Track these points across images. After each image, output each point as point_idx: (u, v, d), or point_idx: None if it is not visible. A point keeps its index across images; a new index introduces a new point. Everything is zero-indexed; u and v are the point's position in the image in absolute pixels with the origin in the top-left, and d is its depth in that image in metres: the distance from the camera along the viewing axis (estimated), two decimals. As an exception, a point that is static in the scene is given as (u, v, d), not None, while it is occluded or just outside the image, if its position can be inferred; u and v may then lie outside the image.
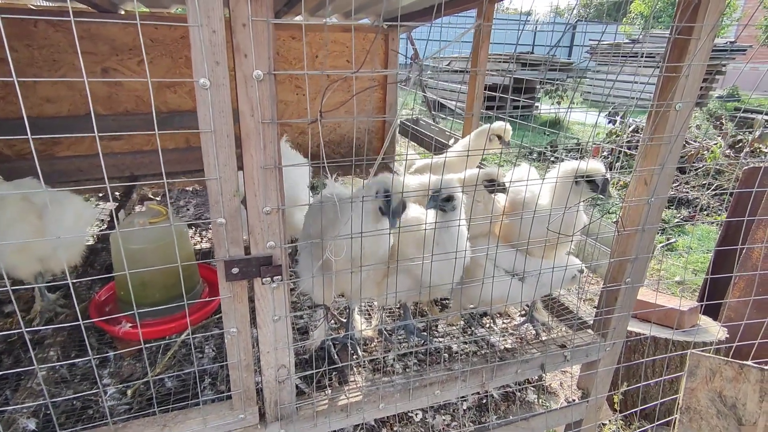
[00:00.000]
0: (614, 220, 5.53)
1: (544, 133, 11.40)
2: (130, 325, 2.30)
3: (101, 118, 4.17)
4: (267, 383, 1.80)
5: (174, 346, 2.39)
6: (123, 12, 4.24)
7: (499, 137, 2.93)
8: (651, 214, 2.12)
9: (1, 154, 4.16)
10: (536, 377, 2.67)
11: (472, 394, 2.46)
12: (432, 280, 2.03)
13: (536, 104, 13.63)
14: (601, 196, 2.23)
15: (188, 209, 4.72)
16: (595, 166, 2.19)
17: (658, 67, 1.88)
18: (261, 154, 1.46)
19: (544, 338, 2.49)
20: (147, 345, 2.40)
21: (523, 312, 2.75)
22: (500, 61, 12.85)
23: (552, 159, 7.81)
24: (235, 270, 1.55)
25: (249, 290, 1.65)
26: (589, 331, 2.48)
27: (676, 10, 1.86)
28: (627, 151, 5.98)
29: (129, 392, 2.09)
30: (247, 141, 1.44)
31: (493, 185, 2.41)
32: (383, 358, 2.42)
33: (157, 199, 4.62)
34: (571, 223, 2.23)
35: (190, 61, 4.23)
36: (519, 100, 9.58)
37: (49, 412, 1.93)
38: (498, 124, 2.92)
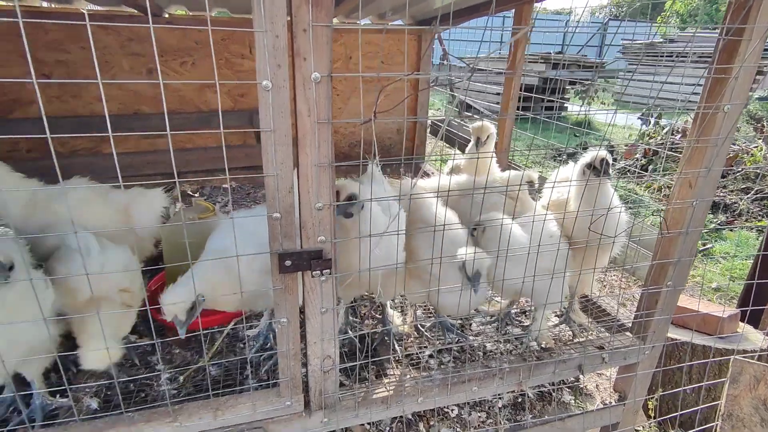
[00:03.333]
0: (651, 222, 5.42)
1: (574, 135, 11.22)
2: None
3: (147, 117, 4.36)
4: (313, 373, 1.88)
5: (221, 337, 2.50)
6: (167, 15, 4.42)
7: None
8: (695, 216, 2.10)
9: (54, 150, 4.40)
10: (572, 378, 2.66)
11: (508, 393, 2.48)
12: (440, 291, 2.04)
13: (566, 105, 13.42)
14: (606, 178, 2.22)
15: (224, 206, 4.88)
16: (593, 153, 2.21)
17: (705, 68, 1.87)
18: (316, 152, 1.53)
19: (581, 339, 2.49)
20: (194, 334, 2.51)
21: (559, 313, 2.75)
22: (530, 62, 12.69)
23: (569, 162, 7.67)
24: (288, 262, 1.63)
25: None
26: (628, 333, 2.47)
27: (726, 10, 1.84)
28: (662, 152, 5.83)
29: (182, 378, 2.20)
30: (303, 140, 1.51)
31: (535, 187, 2.44)
32: (419, 354, 2.46)
33: (195, 195, 4.79)
34: (610, 224, 2.23)
35: (230, 63, 4.38)
36: (551, 101, 9.44)
37: (109, 393, 2.06)
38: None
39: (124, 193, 2.64)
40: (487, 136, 3.02)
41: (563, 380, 2.63)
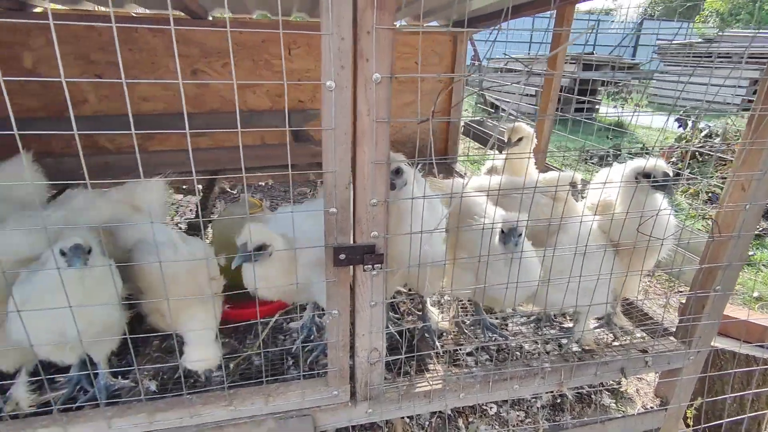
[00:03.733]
0: (697, 226, 5.27)
1: (607, 137, 10.98)
2: (228, 306, 2.52)
3: (190, 116, 4.52)
4: (360, 364, 1.94)
5: (266, 328, 2.58)
6: (211, 18, 4.58)
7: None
8: (748, 220, 2.06)
9: (103, 147, 4.63)
10: (611, 381, 2.64)
11: (547, 393, 2.49)
12: (489, 280, 2.06)
13: (597, 106, 13.15)
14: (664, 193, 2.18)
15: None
16: (655, 163, 2.14)
17: (756, 69, 1.84)
18: (373, 150, 1.59)
19: (622, 342, 2.47)
20: (240, 324, 2.62)
21: (600, 315, 2.73)
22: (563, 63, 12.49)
23: (614, 163, 7.52)
24: (342, 256, 1.69)
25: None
26: (671, 338, 2.44)
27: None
28: (699, 156, 5.67)
29: (231, 365, 2.30)
30: (361, 138, 1.57)
31: (576, 188, 2.43)
32: (455, 351, 2.49)
33: (234, 192, 4.94)
34: (658, 227, 2.21)
35: (269, 64, 4.50)
36: (582, 102, 9.29)
37: (165, 376, 2.17)
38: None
39: (121, 189, 2.62)
40: (520, 138, 3.01)
41: (602, 383, 2.61)
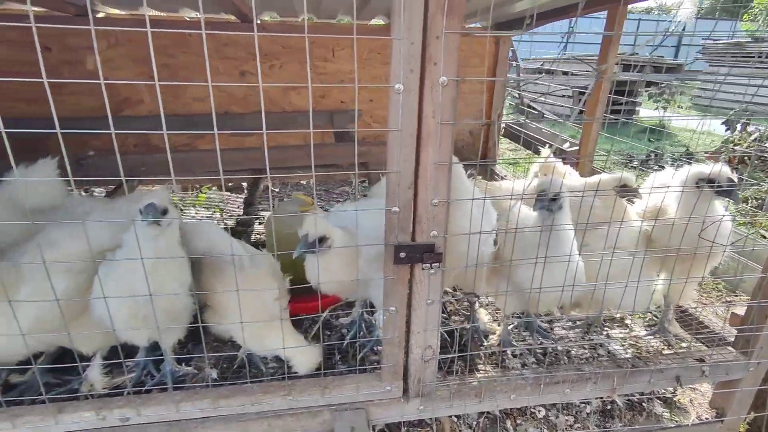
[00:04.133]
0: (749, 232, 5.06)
1: (648, 140, 10.64)
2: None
3: (237, 117, 4.69)
4: (413, 361, 1.97)
5: (318, 323, 2.66)
6: (259, 21, 4.72)
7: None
8: (818, 228, 1.98)
9: (156, 146, 4.85)
10: (663, 391, 2.59)
11: (596, 398, 2.46)
12: (537, 286, 2.05)
13: (637, 108, 12.76)
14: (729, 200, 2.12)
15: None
16: (720, 168, 2.08)
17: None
18: (436, 151, 1.62)
19: (677, 350, 2.41)
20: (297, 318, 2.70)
21: (652, 322, 2.68)
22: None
23: (656, 168, 7.30)
24: (402, 254, 1.74)
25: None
26: (729, 348, 2.37)
27: None
28: (748, 160, 5.42)
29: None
30: (426, 139, 1.61)
31: (627, 191, 2.40)
32: (502, 352, 2.50)
33: (276, 190, 5.07)
34: (715, 232, 2.15)
35: (314, 66, 4.57)
36: (621, 104, 9.04)
37: (225, 365, 2.27)
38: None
39: (126, 199, 2.60)
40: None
41: (654, 391, 2.56)
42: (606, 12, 3.32)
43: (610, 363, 2.25)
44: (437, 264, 1.78)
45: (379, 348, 2.50)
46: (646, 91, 13.24)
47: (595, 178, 2.53)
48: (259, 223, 4.50)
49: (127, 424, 1.87)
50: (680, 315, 2.69)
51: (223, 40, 4.60)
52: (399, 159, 1.62)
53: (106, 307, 1.67)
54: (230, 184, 5.20)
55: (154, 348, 2.21)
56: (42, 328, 1.79)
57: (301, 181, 5.43)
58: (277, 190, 5.11)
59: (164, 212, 1.81)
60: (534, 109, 11.16)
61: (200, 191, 5.51)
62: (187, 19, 4.71)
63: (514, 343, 2.54)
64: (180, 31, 4.56)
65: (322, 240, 2.00)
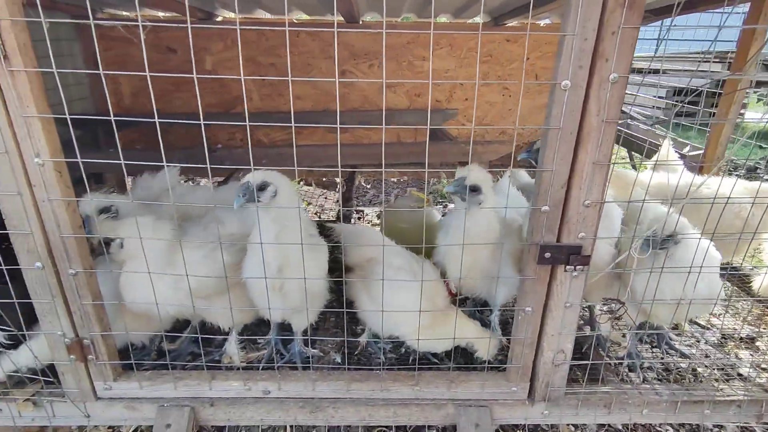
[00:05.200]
0: None
1: (759, 146, 9.57)
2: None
3: (335, 114, 4.85)
4: (543, 364, 1.93)
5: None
6: (362, 21, 4.86)
7: None
8: None
9: (259, 141, 5.17)
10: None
11: (733, 423, 2.27)
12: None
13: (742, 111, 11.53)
14: None
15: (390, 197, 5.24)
16: None
17: None
18: (596, 150, 1.58)
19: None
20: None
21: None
22: (700, 61, 11.16)
23: (765, 177, 6.55)
24: (547, 255, 1.71)
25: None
26: None
27: None
28: None
29: (403, 348, 2.44)
30: (586, 138, 1.57)
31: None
32: (617, 363, 2.37)
33: (368, 186, 5.19)
34: None
35: (411, 65, 4.61)
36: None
37: (347, 350, 2.37)
38: None
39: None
40: None
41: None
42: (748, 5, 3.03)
43: (757, 387, 2.06)
44: (581, 267, 1.73)
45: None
46: (755, 92, 11.92)
47: (753, 185, 2.32)
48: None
49: (268, 396, 2.01)
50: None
51: (328, 40, 4.78)
52: (555, 157, 1.59)
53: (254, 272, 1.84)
54: (324, 179, 5.41)
55: (284, 330, 2.36)
56: (205, 287, 1.96)
57: (392, 179, 5.53)
58: (368, 186, 5.24)
59: (262, 187, 1.85)
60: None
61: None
62: (295, 21, 4.96)
63: (643, 356, 2.41)
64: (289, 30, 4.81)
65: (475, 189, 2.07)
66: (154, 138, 1.56)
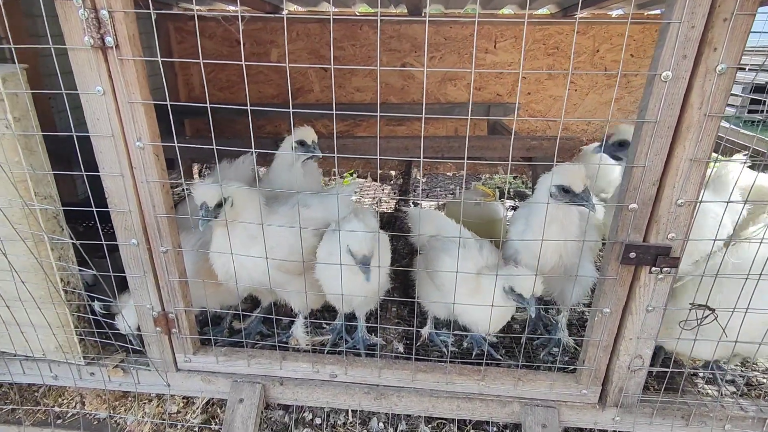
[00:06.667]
0: None
1: None
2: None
3: (394, 107, 4.87)
4: (618, 368, 1.86)
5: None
6: (424, 14, 4.82)
7: None
8: None
9: (320, 132, 5.27)
10: None
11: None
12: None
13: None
14: None
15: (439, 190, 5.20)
16: None
17: None
18: (694, 146, 1.48)
19: None
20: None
21: None
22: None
23: None
24: (632, 254, 1.63)
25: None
26: None
27: None
28: None
29: (465, 343, 2.42)
30: (686, 132, 1.47)
31: None
32: (694, 374, 2.24)
33: (424, 180, 5.16)
34: None
35: (472, 57, 4.45)
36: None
37: (407, 341, 2.38)
38: None
39: None
40: None
41: None
42: None
43: None
44: (668, 269, 1.64)
45: (556, 350, 2.41)
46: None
47: None
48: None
49: (334, 380, 2.06)
50: None
51: (389, 33, 4.79)
52: (649, 153, 1.51)
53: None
54: (380, 171, 5.45)
55: (349, 318, 2.41)
56: (297, 253, 1.97)
57: (447, 173, 5.48)
58: (424, 180, 5.22)
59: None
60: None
61: (343, 177, 5.87)
62: (357, 14, 5.00)
63: (723, 367, 2.26)
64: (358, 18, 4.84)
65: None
66: (218, 127, 1.63)
